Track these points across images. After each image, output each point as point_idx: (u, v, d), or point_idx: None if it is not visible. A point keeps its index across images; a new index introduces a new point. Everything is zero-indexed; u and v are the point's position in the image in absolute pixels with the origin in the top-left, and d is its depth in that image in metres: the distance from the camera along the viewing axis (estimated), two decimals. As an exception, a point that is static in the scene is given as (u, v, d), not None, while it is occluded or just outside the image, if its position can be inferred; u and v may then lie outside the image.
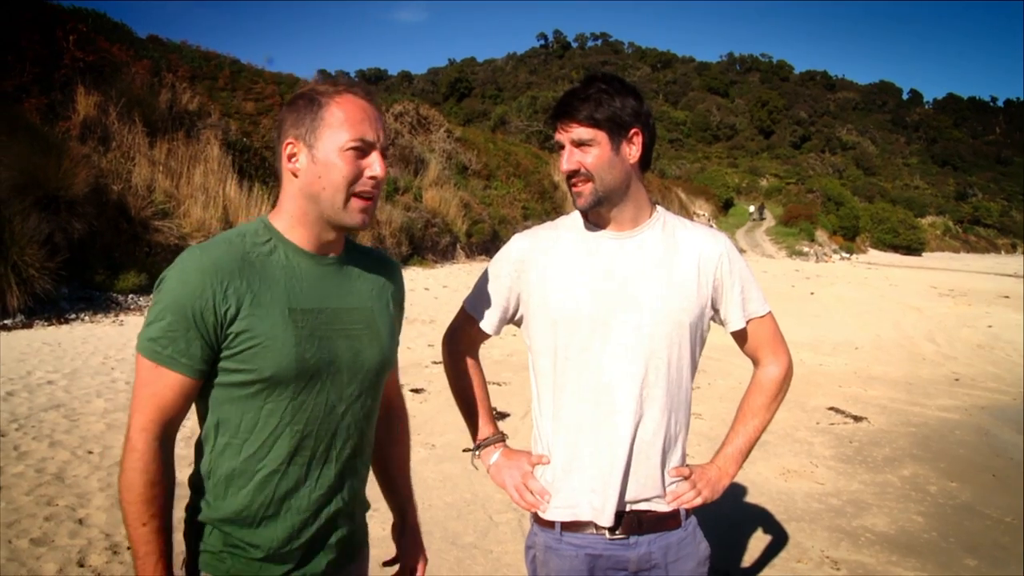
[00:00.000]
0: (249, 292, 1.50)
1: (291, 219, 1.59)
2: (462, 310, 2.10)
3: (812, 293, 20.38)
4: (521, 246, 1.99)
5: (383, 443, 1.90)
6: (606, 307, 1.87)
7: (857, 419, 7.23)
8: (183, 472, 1.60)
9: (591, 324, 1.87)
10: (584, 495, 1.90)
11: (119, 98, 12.88)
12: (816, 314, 15.62)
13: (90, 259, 10.61)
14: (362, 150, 1.54)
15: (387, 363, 1.72)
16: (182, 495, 1.60)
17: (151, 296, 1.58)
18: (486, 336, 2.07)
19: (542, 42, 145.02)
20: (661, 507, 1.93)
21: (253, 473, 1.56)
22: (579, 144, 1.83)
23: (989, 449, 6.55)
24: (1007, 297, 21.65)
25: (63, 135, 11.49)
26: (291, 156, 1.56)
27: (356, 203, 1.56)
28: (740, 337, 2.06)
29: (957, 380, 9.59)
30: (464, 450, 2.13)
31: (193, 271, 1.47)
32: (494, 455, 2.04)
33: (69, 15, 14.27)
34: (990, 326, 15.07)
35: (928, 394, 8.62)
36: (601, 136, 1.81)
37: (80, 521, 4.01)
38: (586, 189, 1.85)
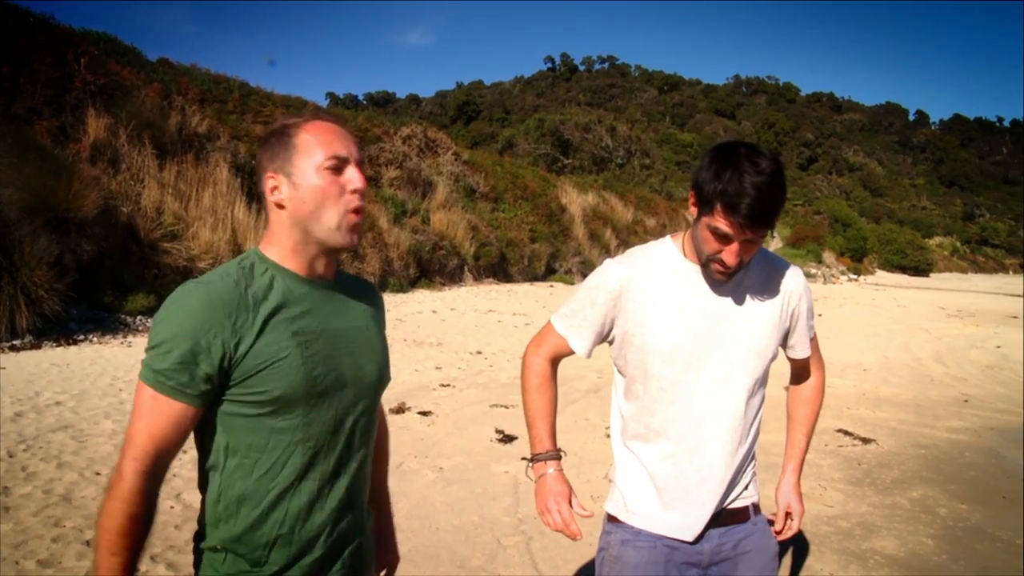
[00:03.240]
0: (254, 322, 1.52)
1: (284, 249, 1.62)
2: (551, 328, 2.15)
3: (820, 315, 20.30)
4: (620, 275, 2.02)
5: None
6: (701, 344, 1.95)
7: (866, 441, 7.20)
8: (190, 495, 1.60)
9: (687, 359, 1.95)
10: (675, 517, 2.01)
11: (129, 121, 12.95)
12: (824, 335, 15.46)
13: (99, 280, 10.65)
14: (338, 167, 1.58)
15: (384, 377, 1.78)
16: (190, 516, 1.60)
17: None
18: (570, 354, 2.14)
19: (549, 65, 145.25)
20: (732, 504, 2.05)
21: (265, 492, 1.57)
22: (747, 242, 1.84)
23: (999, 471, 6.51)
24: (1015, 317, 21.57)
25: (73, 157, 11.56)
26: (273, 189, 1.60)
27: (348, 220, 1.59)
28: (796, 362, 2.23)
29: (966, 401, 9.55)
30: (523, 458, 2.20)
31: (198, 305, 1.49)
32: (548, 470, 2.08)
33: (81, 38, 14.40)
34: (999, 346, 15.01)
35: (937, 415, 8.58)
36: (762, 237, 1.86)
37: (87, 543, 4.00)
38: (728, 274, 1.90)
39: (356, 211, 1.60)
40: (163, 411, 1.48)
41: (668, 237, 2.05)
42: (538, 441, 2.11)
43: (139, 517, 1.48)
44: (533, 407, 2.14)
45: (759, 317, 1.99)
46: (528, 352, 2.19)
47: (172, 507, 4.54)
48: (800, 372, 2.28)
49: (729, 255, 1.84)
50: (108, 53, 14.92)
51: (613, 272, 2.03)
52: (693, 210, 1.90)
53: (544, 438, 2.11)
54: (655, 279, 1.99)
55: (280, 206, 1.60)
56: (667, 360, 1.96)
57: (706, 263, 1.91)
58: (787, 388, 2.32)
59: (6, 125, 10.71)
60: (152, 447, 1.48)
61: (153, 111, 14.01)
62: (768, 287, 2.02)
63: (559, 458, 2.11)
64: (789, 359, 2.22)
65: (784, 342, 2.12)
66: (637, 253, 2.08)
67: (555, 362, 2.18)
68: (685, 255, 2.00)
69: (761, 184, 1.77)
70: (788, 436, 2.30)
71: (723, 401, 1.97)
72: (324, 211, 1.57)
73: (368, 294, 1.83)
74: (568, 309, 2.11)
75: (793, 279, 2.07)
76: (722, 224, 1.80)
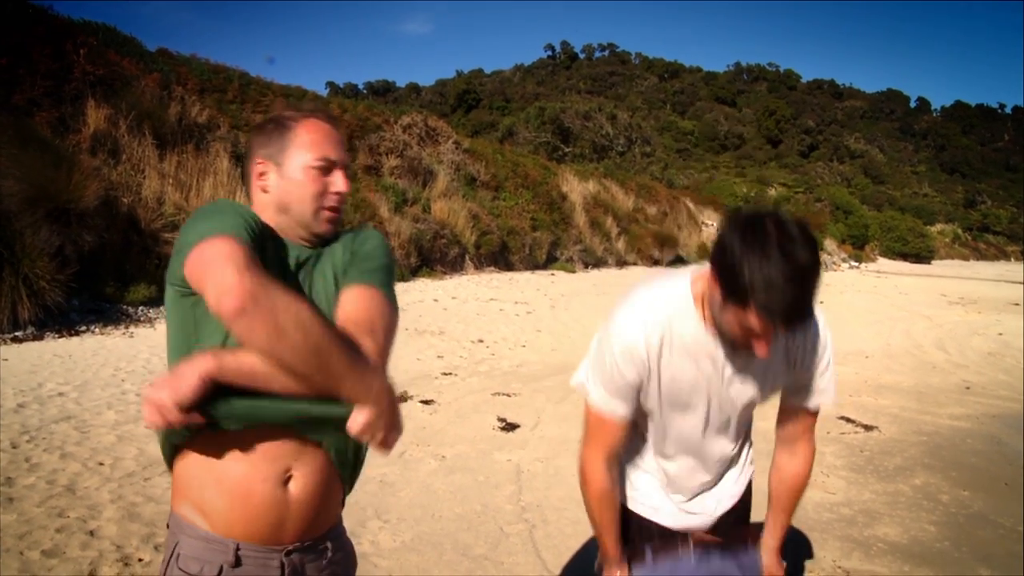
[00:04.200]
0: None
1: None
2: (598, 416, 2.06)
3: (821, 302, 20.19)
4: (647, 343, 1.94)
5: None
6: (703, 395, 2.01)
7: (868, 428, 7.20)
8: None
9: (687, 402, 2.03)
10: (682, 516, 2.19)
11: (129, 111, 12.93)
12: (826, 323, 15.54)
13: (100, 271, 10.64)
14: (326, 168, 1.66)
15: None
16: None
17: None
18: (624, 431, 2.11)
19: (549, 53, 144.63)
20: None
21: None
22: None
23: (1001, 458, 6.52)
24: (1017, 304, 21.55)
25: (73, 148, 11.53)
26: (261, 174, 1.68)
27: (323, 214, 1.67)
28: (790, 414, 2.18)
29: (968, 388, 9.55)
30: (594, 573, 2.26)
31: (240, 207, 1.56)
32: (616, 573, 2.20)
33: (80, 29, 14.33)
34: (1001, 334, 15.01)
35: (939, 403, 8.58)
36: None
37: (91, 533, 4.02)
38: None
39: (332, 209, 1.68)
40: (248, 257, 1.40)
41: (687, 285, 1.94)
42: (606, 550, 2.20)
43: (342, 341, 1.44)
44: (599, 518, 2.15)
45: (769, 373, 2.02)
46: (586, 459, 2.10)
47: (175, 497, 4.55)
48: (789, 424, 2.18)
49: (761, 348, 1.75)
50: (107, 43, 14.84)
51: (638, 341, 1.94)
52: (715, 290, 1.75)
53: (611, 547, 2.18)
54: (679, 349, 1.94)
55: (264, 190, 1.68)
56: (669, 405, 2.04)
57: (732, 340, 1.84)
58: (775, 434, 2.25)
59: (6, 116, 10.69)
60: (262, 287, 1.36)
61: (153, 101, 13.98)
62: (787, 341, 1.98)
63: (626, 565, 2.20)
64: (783, 403, 2.15)
65: (787, 387, 2.10)
66: (659, 312, 1.95)
67: (613, 460, 2.11)
68: (705, 321, 1.90)
69: (799, 284, 1.64)
70: (770, 516, 2.27)
71: (725, 440, 2.11)
72: (303, 204, 1.65)
73: (339, 245, 1.73)
74: (602, 387, 2.02)
75: (813, 329, 2.04)
76: (757, 325, 1.68)
